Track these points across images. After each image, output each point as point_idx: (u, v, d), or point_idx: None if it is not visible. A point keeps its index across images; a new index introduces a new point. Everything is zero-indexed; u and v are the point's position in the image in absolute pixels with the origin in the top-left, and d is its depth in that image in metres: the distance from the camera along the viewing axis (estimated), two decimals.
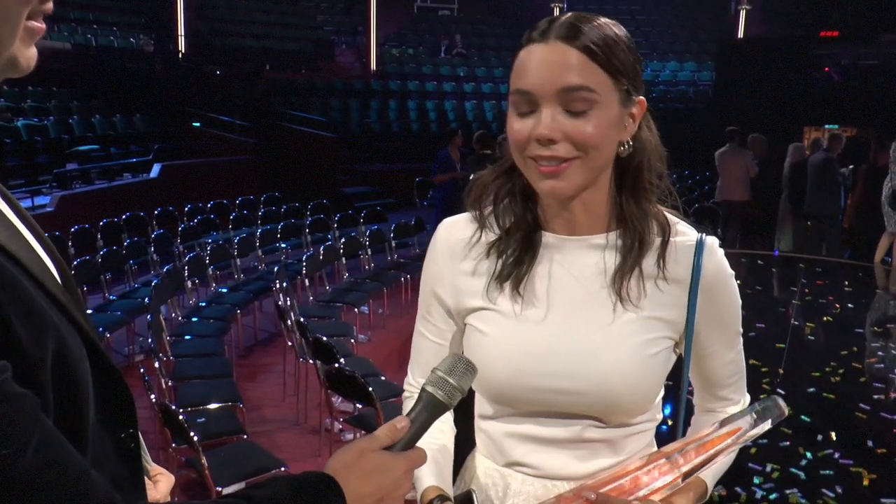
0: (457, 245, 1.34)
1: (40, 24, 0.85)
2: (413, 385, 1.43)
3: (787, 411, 1.27)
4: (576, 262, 1.28)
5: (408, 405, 1.42)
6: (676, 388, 1.37)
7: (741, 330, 1.37)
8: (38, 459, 0.73)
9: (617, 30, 1.19)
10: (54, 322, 0.81)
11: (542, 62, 1.16)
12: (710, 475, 1.34)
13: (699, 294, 1.26)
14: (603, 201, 1.27)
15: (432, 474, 1.34)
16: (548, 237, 1.29)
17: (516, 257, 1.28)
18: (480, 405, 1.38)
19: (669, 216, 1.30)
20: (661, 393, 1.34)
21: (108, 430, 0.91)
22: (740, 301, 1.35)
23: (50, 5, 0.86)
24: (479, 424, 1.40)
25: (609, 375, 1.23)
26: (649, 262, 1.26)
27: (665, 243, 1.26)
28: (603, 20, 1.19)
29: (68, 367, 0.82)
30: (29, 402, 0.74)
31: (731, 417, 1.29)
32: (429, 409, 1.08)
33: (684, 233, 1.29)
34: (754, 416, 1.27)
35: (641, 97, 1.22)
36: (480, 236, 1.32)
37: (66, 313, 0.85)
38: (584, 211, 1.26)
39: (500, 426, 1.34)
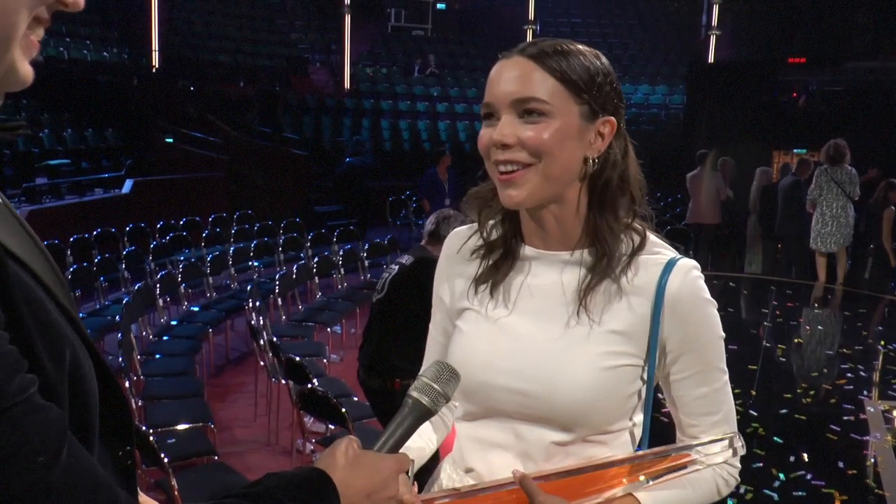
0: (456, 251, 1.44)
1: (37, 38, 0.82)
2: None
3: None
4: (546, 276, 1.33)
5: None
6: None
7: (722, 367, 1.33)
8: (71, 466, 0.74)
9: (587, 54, 1.26)
10: (69, 336, 0.81)
11: (500, 75, 1.24)
12: (651, 500, 1.27)
13: (664, 311, 1.27)
14: (574, 218, 1.30)
15: None
16: (526, 249, 1.35)
17: (494, 264, 1.36)
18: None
19: (652, 237, 1.33)
20: (629, 423, 1.32)
21: (107, 446, 0.90)
22: (721, 334, 1.32)
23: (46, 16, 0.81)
24: (456, 428, 1.45)
25: (557, 379, 1.25)
26: (614, 278, 1.28)
27: (632, 259, 1.29)
28: (576, 46, 1.26)
29: (81, 382, 0.82)
30: (55, 413, 0.75)
31: (696, 445, 1.29)
32: (414, 415, 1.11)
33: (659, 252, 1.31)
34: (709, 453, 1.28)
35: (611, 117, 1.25)
36: (475, 244, 1.40)
37: (74, 326, 0.84)
38: (556, 227, 1.31)
39: (465, 428, 1.39)
